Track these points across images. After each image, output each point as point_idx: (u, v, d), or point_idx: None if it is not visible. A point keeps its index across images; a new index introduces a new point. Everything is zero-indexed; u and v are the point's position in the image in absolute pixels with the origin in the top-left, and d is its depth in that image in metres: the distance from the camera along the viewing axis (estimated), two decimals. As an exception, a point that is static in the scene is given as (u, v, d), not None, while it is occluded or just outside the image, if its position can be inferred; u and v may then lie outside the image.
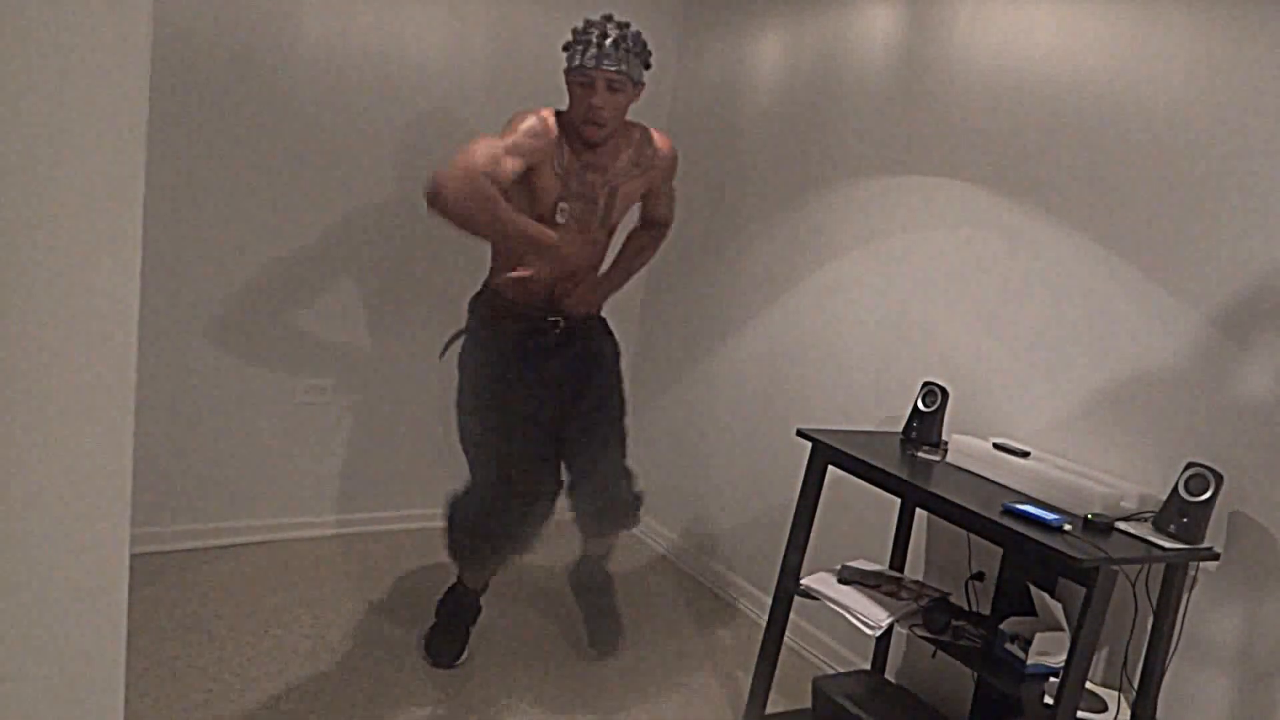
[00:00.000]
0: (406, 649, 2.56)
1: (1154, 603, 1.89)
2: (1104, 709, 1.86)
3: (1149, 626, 1.89)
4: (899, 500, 2.42)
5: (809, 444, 2.25)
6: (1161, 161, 2.02)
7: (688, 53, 3.60)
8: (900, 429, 2.37)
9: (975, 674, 2.19)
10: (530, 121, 2.18)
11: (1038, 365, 2.25)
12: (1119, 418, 2.07)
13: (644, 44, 2.23)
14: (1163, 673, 1.87)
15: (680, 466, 3.48)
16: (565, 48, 2.25)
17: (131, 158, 0.89)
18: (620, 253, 2.60)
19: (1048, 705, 1.78)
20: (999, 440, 2.17)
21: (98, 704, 0.99)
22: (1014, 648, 1.90)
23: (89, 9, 0.85)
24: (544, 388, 2.40)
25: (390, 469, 3.38)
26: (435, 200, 1.98)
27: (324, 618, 2.67)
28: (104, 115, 0.87)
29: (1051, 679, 1.85)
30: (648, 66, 2.26)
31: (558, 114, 2.27)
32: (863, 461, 2.11)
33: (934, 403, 2.30)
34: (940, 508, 1.93)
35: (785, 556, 2.26)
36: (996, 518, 1.77)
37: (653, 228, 2.63)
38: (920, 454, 2.22)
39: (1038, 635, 1.86)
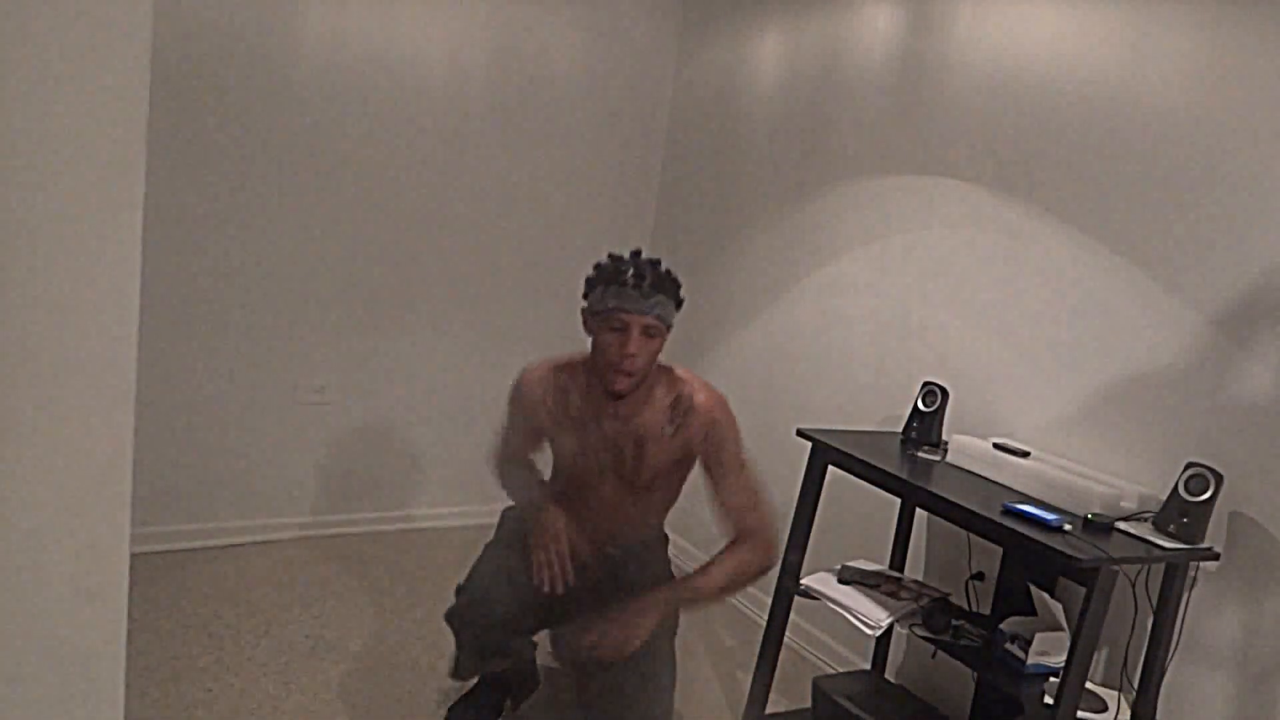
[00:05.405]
0: (407, 648, 2.56)
1: (1154, 603, 1.89)
2: (1104, 709, 1.86)
3: (1149, 626, 1.89)
4: (899, 500, 2.42)
5: (809, 444, 2.25)
6: (1161, 161, 2.01)
7: (688, 53, 3.60)
8: (900, 429, 2.37)
9: (975, 674, 2.19)
10: (514, 398, 2.10)
11: (1038, 365, 2.25)
12: (1119, 417, 2.07)
13: (678, 284, 1.96)
14: (1163, 673, 1.87)
15: (680, 466, 3.48)
16: (589, 286, 1.96)
17: (131, 158, 0.89)
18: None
19: (1048, 705, 1.78)
20: (999, 440, 2.17)
21: (98, 704, 0.99)
22: (1014, 648, 1.90)
23: (89, 8, 0.85)
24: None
25: (390, 469, 3.38)
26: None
27: (324, 618, 2.67)
28: (104, 115, 0.87)
29: (1051, 679, 1.85)
30: (679, 306, 1.97)
31: (568, 362, 2.07)
32: (863, 461, 2.11)
33: (934, 403, 2.29)
34: (940, 508, 1.93)
35: (785, 556, 2.26)
36: (996, 518, 1.77)
37: (736, 537, 2.02)
38: (920, 454, 2.22)
39: (1038, 635, 1.86)
